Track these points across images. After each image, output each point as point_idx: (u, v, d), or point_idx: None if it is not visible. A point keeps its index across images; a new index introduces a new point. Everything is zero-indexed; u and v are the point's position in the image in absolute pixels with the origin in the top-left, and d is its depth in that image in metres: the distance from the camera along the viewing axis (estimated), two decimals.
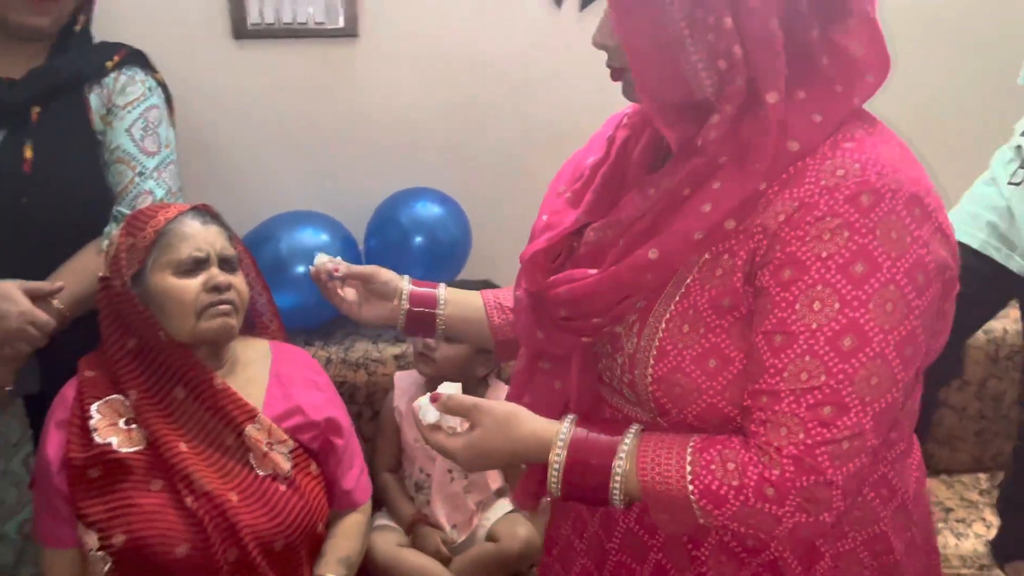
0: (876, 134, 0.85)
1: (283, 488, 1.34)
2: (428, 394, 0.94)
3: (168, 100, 1.59)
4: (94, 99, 1.49)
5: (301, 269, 1.84)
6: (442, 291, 1.17)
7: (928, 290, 0.81)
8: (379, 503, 1.71)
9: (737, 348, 0.84)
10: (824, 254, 0.79)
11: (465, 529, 1.71)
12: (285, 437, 1.36)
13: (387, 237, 1.89)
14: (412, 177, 1.95)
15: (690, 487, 0.83)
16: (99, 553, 1.24)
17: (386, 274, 1.17)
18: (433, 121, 1.96)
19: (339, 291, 1.18)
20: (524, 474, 1.04)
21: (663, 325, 0.87)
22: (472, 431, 0.92)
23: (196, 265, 1.32)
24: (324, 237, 1.88)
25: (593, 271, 0.90)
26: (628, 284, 0.88)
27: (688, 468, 0.83)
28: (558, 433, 0.89)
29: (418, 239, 1.88)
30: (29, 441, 1.49)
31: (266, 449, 1.33)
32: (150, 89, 1.53)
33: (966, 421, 2.04)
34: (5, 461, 1.49)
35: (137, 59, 1.55)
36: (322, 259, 1.19)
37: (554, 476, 0.88)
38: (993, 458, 2.07)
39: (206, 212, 1.39)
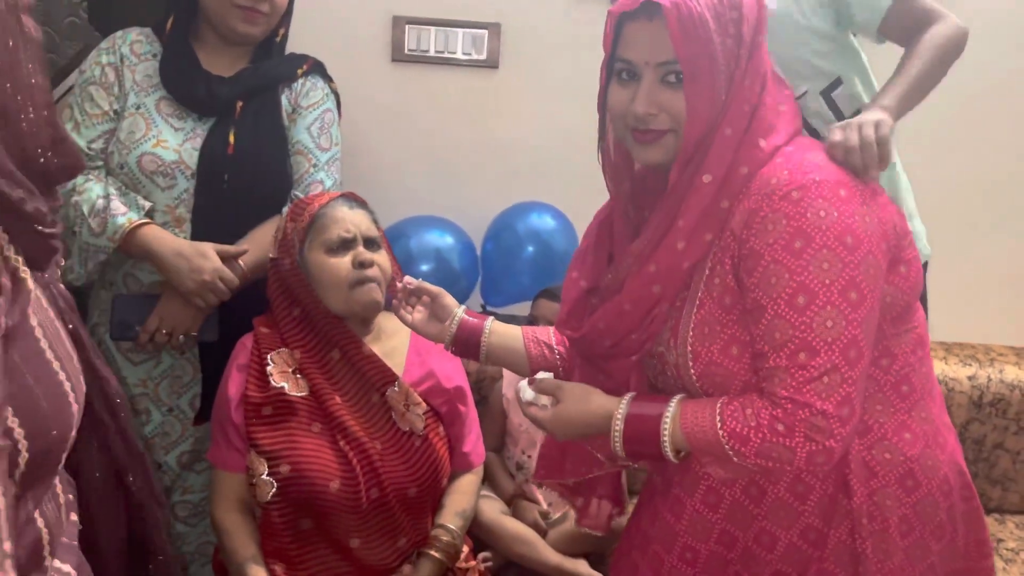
0: (800, 148, 1.10)
1: (418, 444, 1.54)
2: (527, 378, 1.21)
3: (338, 106, 1.85)
4: (284, 99, 1.75)
5: (425, 268, 2.08)
6: (489, 322, 1.34)
7: (858, 247, 1.03)
8: (483, 478, 1.90)
9: (749, 333, 1.07)
10: (771, 241, 1.03)
11: (560, 508, 1.88)
12: (419, 400, 1.57)
13: (502, 243, 2.12)
14: (531, 192, 2.19)
15: (720, 432, 1.04)
16: (267, 478, 1.45)
17: (448, 299, 1.35)
18: (555, 144, 2.20)
19: (405, 303, 1.37)
20: (584, 501, 1.32)
21: (690, 334, 1.10)
22: (557, 405, 1.16)
23: (344, 244, 1.52)
24: (448, 239, 2.12)
25: (616, 299, 1.15)
26: (643, 298, 1.12)
27: (718, 416, 1.05)
28: (620, 401, 1.13)
29: (530, 248, 2.10)
30: (198, 383, 1.73)
31: (404, 409, 1.55)
32: (327, 95, 1.80)
33: (1020, 465, 2.14)
34: (175, 399, 1.73)
35: (319, 69, 1.82)
36: (409, 279, 1.37)
37: (616, 433, 1.11)
38: None
39: (353, 198, 1.60)
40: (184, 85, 1.67)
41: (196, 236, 1.65)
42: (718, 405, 1.06)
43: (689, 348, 1.09)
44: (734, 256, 1.06)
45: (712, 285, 1.08)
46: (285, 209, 1.70)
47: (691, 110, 1.06)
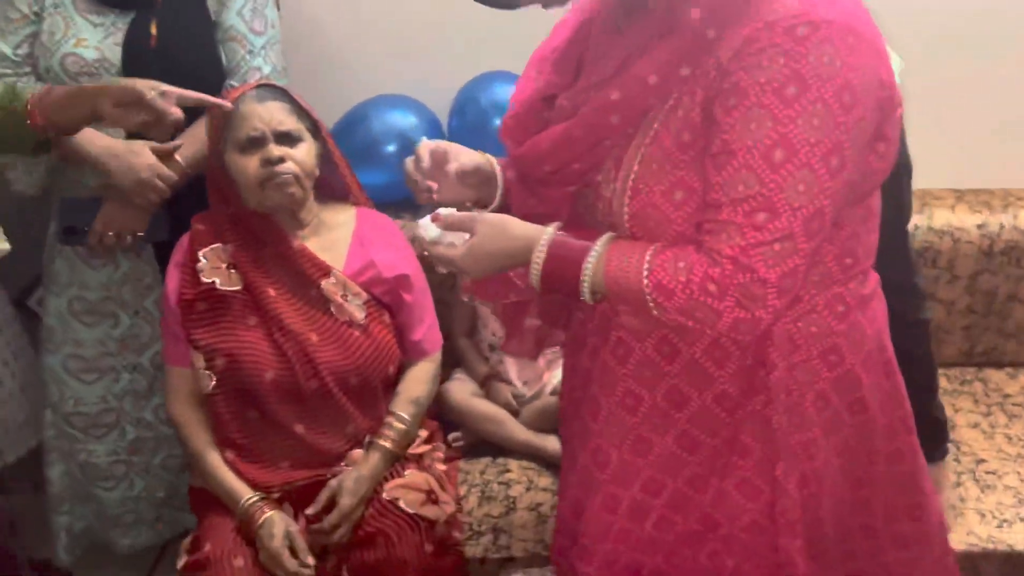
0: None
1: (357, 333, 1.54)
2: (429, 215, 1.08)
3: None
4: None
5: (391, 148, 2.01)
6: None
7: (854, 109, 0.91)
8: (457, 363, 1.90)
9: (699, 179, 0.96)
10: (763, 79, 0.90)
11: (535, 385, 1.87)
12: (359, 290, 1.56)
13: (467, 118, 2.01)
14: (496, 60, 2.05)
15: (645, 280, 0.96)
16: (205, 372, 1.49)
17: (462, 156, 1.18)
18: (513, 18, 2.04)
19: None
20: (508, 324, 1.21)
21: (636, 167, 0.99)
22: (471, 239, 1.05)
23: (253, 143, 1.46)
24: (411, 118, 2.03)
25: (569, 122, 1.02)
26: (597, 126, 1.00)
27: (646, 264, 0.97)
28: (544, 231, 1.03)
29: (496, 120, 1.98)
30: (160, 284, 1.75)
31: (341, 300, 1.53)
32: None
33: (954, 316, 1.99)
34: (141, 301, 1.77)
35: None
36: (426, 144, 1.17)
37: (536, 267, 1.02)
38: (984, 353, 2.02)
39: (268, 89, 1.52)
40: None
41: (133, 136, 1.62)
42: (649, 252, 0.97)
43: (630, 184, 0.99)
44: (712, 89, 0.93)
45: (673, 117, 0.97)
46: None
47: None
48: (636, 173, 0.99)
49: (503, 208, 1.16)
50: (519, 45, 2.14)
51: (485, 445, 1.81)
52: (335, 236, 1.60)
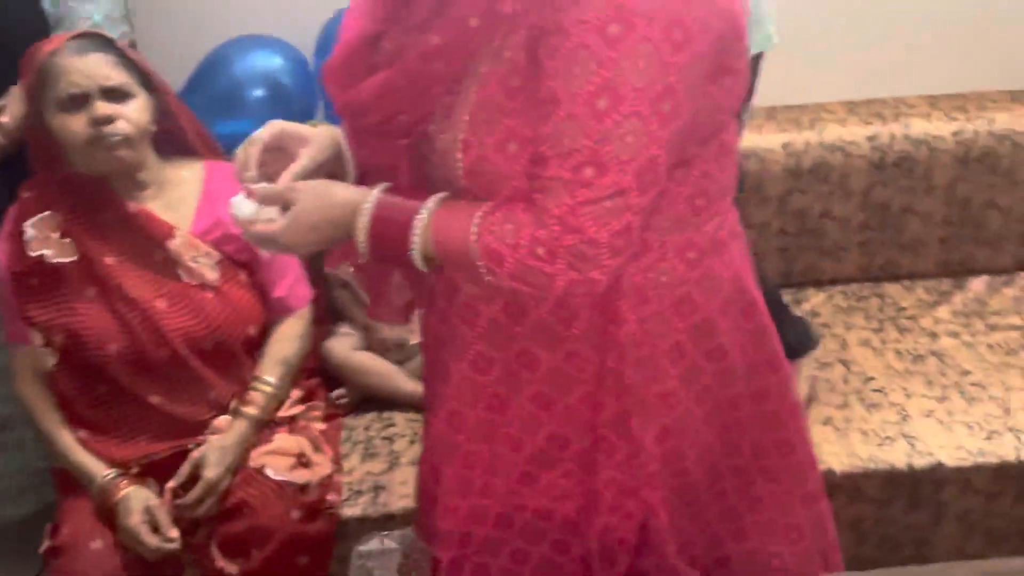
0: None
1: (209, 295, 1.45)
2: (241, 193, 0.96)
3: None
4: None
5: (257, 93, 1.88)
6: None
7: (687, 47, 0.82)
8: (339, 316, 1.82)
9: (532, 128, 0.86)
10: (583, 17, 0.81)
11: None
12: (208, 249, 1.46)
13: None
14: None
15: (473, 246, 0.88)
16: (45, 349, 1.41)
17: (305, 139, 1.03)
18: None
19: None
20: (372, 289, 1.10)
21: (465, 118, 0.89)
22: (291, 210, 0.94)
23: (75, 100, 1.34)
24: (276, 59, 1.90)
25: (391, 69, 0.91)
26: (421, 74, 0.90)
27: (474, 227, 0.88)
28: (368, 194, 0.93)
29: None
30: None
31: (190, 262, 1.44)
32: None
33: (1013, 223, 1.95)
34: None
35: None
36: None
37: (361, 233, 0.92)
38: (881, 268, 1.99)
39: (89, 39, 1.38)
40: None
41: None
42: (478, 215, 0.89)
43: (461, 137, 0.89)
44: (534, 27, 0.84)
45: (501, 59, 0.87)
46: None
47: None
48: (466, 124, 0.89)
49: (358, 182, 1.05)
50: None
51: (372, 401, 1.75)
52: (180, 194, 1.50)
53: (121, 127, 1.36)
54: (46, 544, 1.42)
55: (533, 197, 0.87)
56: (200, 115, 1.69)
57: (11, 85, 1.50)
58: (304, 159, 1.00)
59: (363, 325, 1.79)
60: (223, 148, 1.61)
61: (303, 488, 1.45)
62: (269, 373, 1.52)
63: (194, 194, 1.51)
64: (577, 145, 0.83)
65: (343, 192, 0.95)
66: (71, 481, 1.46)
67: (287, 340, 1.56)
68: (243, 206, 0.95)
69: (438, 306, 1.09)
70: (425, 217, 0.91)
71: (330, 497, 1.50)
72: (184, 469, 1.42)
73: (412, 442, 1.66)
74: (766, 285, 1.55)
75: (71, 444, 1.43)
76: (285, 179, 0.98)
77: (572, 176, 0.84)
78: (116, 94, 1.37)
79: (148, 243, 1.43)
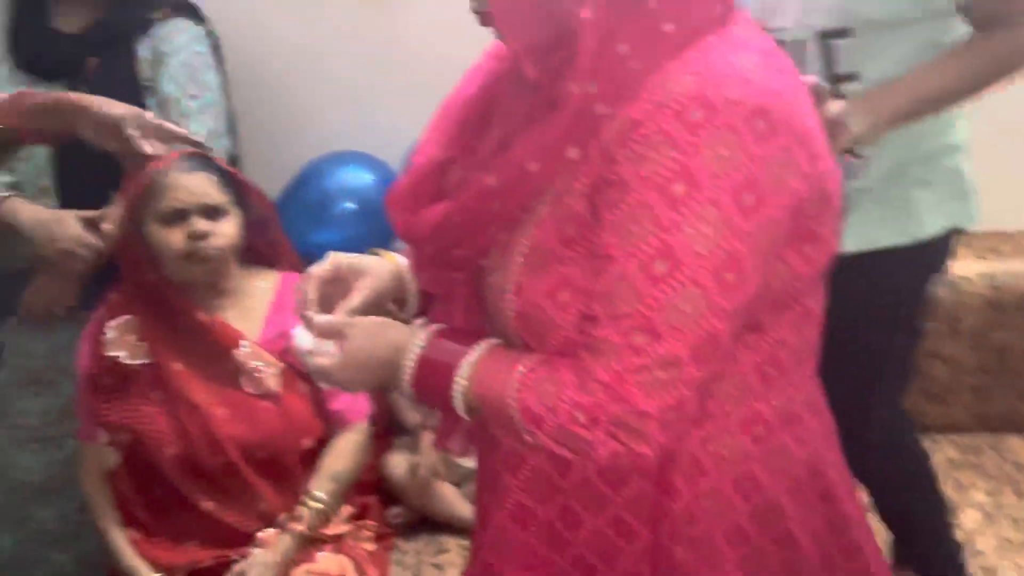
0: (733, 41, 0.79)
1: (269, 405, 1.47)
2: (302, 324, 0.95)
3: (216, 47, 1.73)
4: (143, 49, 1.66)
5: (346, 206, 1.96)
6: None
7: (758, 211, 0.76)
8: (400, 430, 1.80)
9: (587, 280, 0.81)
10: (644, 173, 0.76)
11: None
12: (272, 359, 1.49)
13: None
14: None
15: (513, 402, 0.82)
16: (109, 448, 1.46)
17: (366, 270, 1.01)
18: (466, 51, 1.97)
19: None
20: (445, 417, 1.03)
21: (520, 260, 0.84)
22: (345, 347, 0.91)
23: (178, 215, 1.43)
24: (367, 175, 1.98)
25: (450, 202, 0.88)
26: (477, 213, 0.86)
27: (515, 382, 0.82)
28: (418, 334, 0.90)
29: None
30: None
31: (253, 371, 1.47)
32: (195, 38, 1.68)
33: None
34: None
35: (184, 10, 1.70)
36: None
37: (406, 376, 0.88)
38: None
39: (196, 159, 1.48)
40: (28, 50, 1.62)
41: (66, 205, 1.62)
42: (520, 368, 0.83)
43: (513, 279, 0.85)
44: (596, 177, 0.79)
45: (560, 204, 0.82)
46: None
47: None
48: (520, 266, 0.84)
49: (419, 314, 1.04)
50: None
51: (428, 523, 1.70)
52: (253, 303, 1.55)
53: (215, 243, 1.44)
54: None
55: (580, 355, 0.80)
56: (292, 225, 1.76)
57: (113, 194, 1.62)
58: (358, 294, 0.98)
59: (415, 425, 1.76)
60: (313, 258, 1.67)
61: None
62: (319, 488, 1.50)
63: (265, 304, 1.56)
64: (630, 308, 0.77)
65: (395, 333, 0.91)
66: None
67: (341, 455, 1.54)
68: (303, 338, 0.94)
69: (481, 447, 1.02)
70: (469, 366, 0.85)
71: None
72: None
73: (462, 572, 1.58)
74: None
75: (123, 546, 1.46)
76: (340, 314, 0.96)
77: (622, 340, 0.77)
78: (213, 212, 1.46)
79: (216, 351, 1.48)
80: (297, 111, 2.08)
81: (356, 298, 0.98)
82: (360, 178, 1.97)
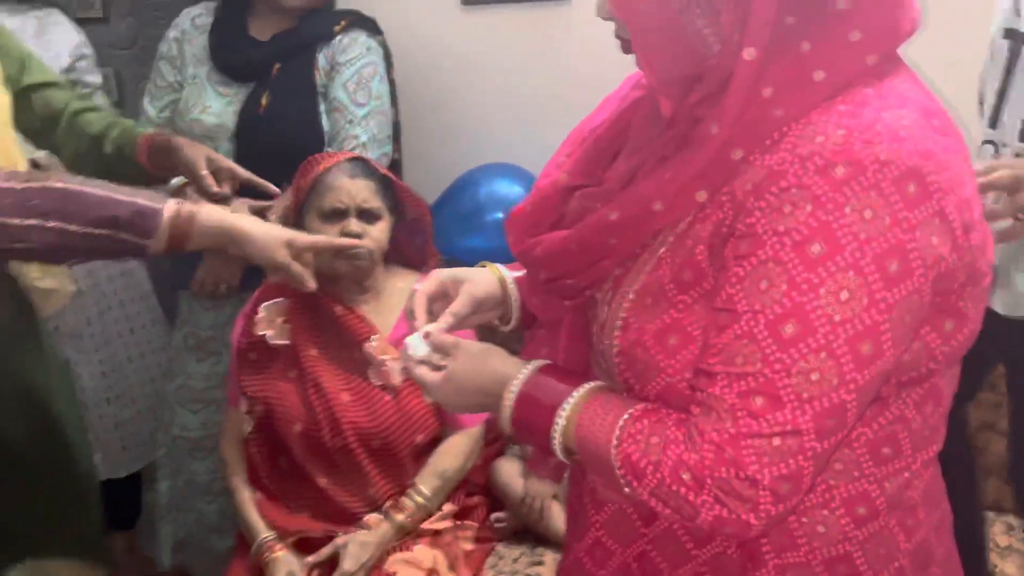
0: (890, 95, 0.74)
1: (388, 398, 1.56)
2: (421, 331, 0.96)
3: (387, 58, 1.86)
4: (321, 58, 1.82)
5: (496, 216, 2.02)
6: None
7: (904, 282, 0.71)
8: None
9: (699, 327, 0.78)
10: (781, 228, 0.71)
11: None
12: (399, 356, 1.57)
13: None
14: None
15: (613, 451, 0.79)
16: (247, 416, 1.60)
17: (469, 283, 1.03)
18: (623, 72, 1.98)
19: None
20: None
21: (630, 296, 0.82)
22: (448, 367, 0.92)
23: (337, 213, 1.55)
24: (517, 188, 2.03)
25: (566, 231, 0.87)
26: (594, 245, 0.84)
27: (617, 432, 0.79)
28: (520, 370, 0.88)
29: None
30: None
31: (380, 364, 1.57)
32: (369, 49, 1.82)
33: None
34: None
35: (363, 24, 1.85)
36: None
37: (506, 411, 0.87)
38: None
39: (359, 164, 1.60)
40: (225, 53, 1.82)
41: (241, 194, 1.80)
42: (624, 416, 0.80)
43: (621, 316, 0.83)
44: (724, 226, 0.76)
45: (680, 247, 0.80)
46: None
47: (624, 16, 0.77)
48: (630, 304, 0.82)
49: (523, 327, 1.05)
50: None
51: (531, 532, 1.72)
52: (391, 302, 1.65)
53: (366, 244, 1.55)
54: None
55: (690, 410, 0.77)
56: (445, 230, 1.85)
57: (284, 185, 1.78)
58: (461, 299, 1.01)
59: (526, 452, 1.78)
60: (462, 263, 1.74)
61: None
62: (424, 484, 1.57)
63: (401, 303, 1.63)
64: (751, 368, 0.72)
65: (498, 362, 0.90)
66: (245, 544, 1.62)
67: (450, 455, 1.61)
68: (418, 346, 0.95)
69: (574, 476, 1.01)
70: (571, 406, 0.83)
71: None
72: (325, 551, 1.52)
73: None
74: None
75: (247, 501, 1.60)
76: (447, 317, 0.98)
77: (738, 402, 0.73)
78: (368, 215, 1.57)
79: (349, 341, 1.59)
80: (458, 122, 2.18)
81: (459, 302, 1.00)
82: (511, 190, 2.03)
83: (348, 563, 1.48)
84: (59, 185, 1.10)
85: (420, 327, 0.97)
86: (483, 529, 1.68)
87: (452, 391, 0.92)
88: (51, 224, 1.09)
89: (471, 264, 1.06)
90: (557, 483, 1.14)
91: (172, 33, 1.90)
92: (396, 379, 1.57)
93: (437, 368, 0.93)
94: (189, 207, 1.18)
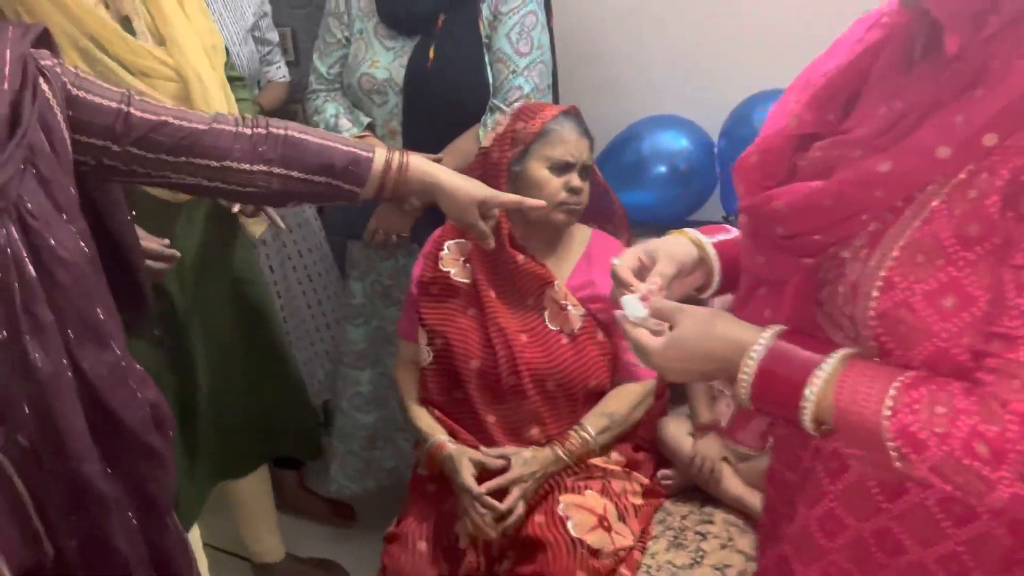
0: None
1: (565, 341, 1.57)
2: (639, 293, 0.92)
3: (548, 6, 1.84)
4: (485, 8, 1.81)
5: (660, 170, 1.98)
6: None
7: None
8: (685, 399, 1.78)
9: (982, 287, 0.72)
10: None
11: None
12: (577, 303, 1.58)
13: (736, 138, 1.89)
14: (777, 78, 1.89)
15: (886, 423, 0.73)
16: (427, 347, 1.64)
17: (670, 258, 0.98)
18: (804, 17, 1.87)
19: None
20: (739, 410, 0.98)
21: (895, 253, 0.76)
22: (673, 332, 0.87)
23: (566, 166, 1.57)
24: (683, 141, 1.97)
25: (817, 183, 0.80)
26: (854, 199, 0.78)
27: (889, 401, 0.73)
28: (758, 337, 0.82)
29: None
30: None
31: (559, 309, 1.57)
32: None
33: None
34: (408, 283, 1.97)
35: None
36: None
37: (744, 381, 0.82)
38: None
39: (581, 121, 1.61)
40: (390, 6, 1.83)
41: (407, 146, 1.83)
42: (896, 384, 0.74)
43: (883, 274, 0.77)
44: (1023, 174, 0.70)
45: (960, 199, 0.73)
46: (485, 118, 1.80)
47: None
48: (895, 261, 0.76)
49: (721, 293, 1.01)
50: (798, 63, 1.98)
51: (699, 491, 1.67)
52: (567, 252, 1.66)
53: (581, 199, 1.59)
54: (389, 529, 1.64)
55: (981, 379, 0.72)
56: (608, 183, 1.82)
57: (453, 133, 1.80)
58: (664, 260, 0.96)
59: (700, 422, 1.72)
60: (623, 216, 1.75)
61: (595, 552, 1.44)
62: (590, 423, 1.57)
63: (577, 254, 1.65)
64: None
65: (728, 327, 0.85)
66: (420, 487, 1.66)
67: (620, 399, 1.60)
68: (636, 307, 0.90)
69: (798, 436, 0.93)
70: (825, 375, 0.78)
71: (623, 570, 1.46)
72: (493, 451, 1.55)
73: (723, 546, 1.54)
74: None
75: (422, 413, 1.64)
76: (654, 278, 0.94)
77: None
78: (585, 173, 1.60)
79: (529, 286, 1.59)
80: (622, 73, 2.14)
81: (663, 264, 0.96)
82: (676, 143, 1.97)
83: (515, 470, 1.51)
84: (281, 132, 1.13)
85: (646, 287, 0.92)
86: (651, 485, 1.65)
87: (674, 356, 0.87)
88: (276, 170, 1.12)
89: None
90: (760, 451, 1.07)
91: None
92: (576, 325, 1.57)
93: (655, 333, 0.89)
94: (399, 156, 1.19)
